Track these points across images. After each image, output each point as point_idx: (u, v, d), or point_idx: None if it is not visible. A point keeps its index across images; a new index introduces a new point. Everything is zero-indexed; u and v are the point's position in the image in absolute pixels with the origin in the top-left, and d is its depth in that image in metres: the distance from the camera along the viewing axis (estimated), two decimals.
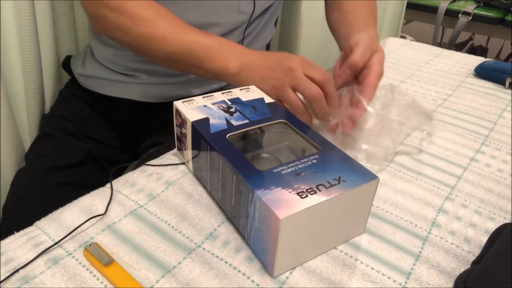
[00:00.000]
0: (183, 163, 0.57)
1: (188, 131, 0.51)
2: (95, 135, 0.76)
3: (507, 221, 0.50)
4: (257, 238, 0.42)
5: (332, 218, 0.42)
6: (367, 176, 0.42)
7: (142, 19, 0.60)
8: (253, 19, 0.75)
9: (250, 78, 0.59)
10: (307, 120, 0.59)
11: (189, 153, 0.53)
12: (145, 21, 0.60)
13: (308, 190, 0.40)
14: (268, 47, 0.91)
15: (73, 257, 0.42)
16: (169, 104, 0.56)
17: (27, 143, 0.81)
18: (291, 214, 0.37)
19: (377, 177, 0.42)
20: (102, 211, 0.48)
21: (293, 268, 0.42)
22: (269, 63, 0.58)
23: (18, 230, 0.45)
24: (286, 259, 0.41)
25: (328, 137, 0.55)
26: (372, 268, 0.43)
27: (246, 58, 0.59)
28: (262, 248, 0.41)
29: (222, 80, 0.63)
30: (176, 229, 0.46)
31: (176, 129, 0.55)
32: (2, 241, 0.44)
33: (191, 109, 0.52)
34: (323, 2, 0.82)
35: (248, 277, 0.41)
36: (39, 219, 0.47)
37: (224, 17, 0.71)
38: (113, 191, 0.51)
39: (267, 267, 0.41)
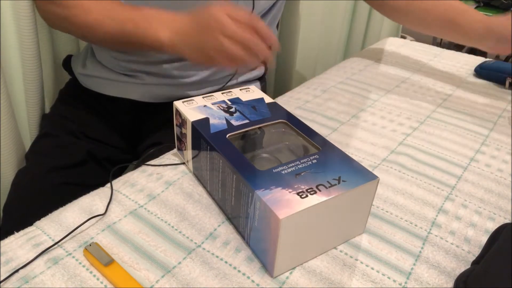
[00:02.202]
0: (183, 163, 0.57)
1: (188, 131, 0.51)
2: (95, 135, 0.76)
3: (507, 221, 0.50)
4: (257, 238, 0.42)
5: (332, 218, 0.42)
6: (367, 176, 0.42)
7: (79, 7, 0.62)
8: None
9: (187, 47, 0.57)
10: (258, 62, 0.56)
11: (189, 153, 0.53)
12: (82, 9, 0.62)
13: (308, 190, 0.40)
14: None
15: (73, 257, 0.42)
16: (170, 104, 0.56)
17: (27, 143, 0.80)
18: (291, 214, 0.37)
19: (377, 177, 0.42)
20: (102, 211, 0.48)
21: (293, 268, 0.42)
22: (199, 26, 0.56)
23: (18, 230, 0.45)
24: (286, 259, 0.41)
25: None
26: (372, 268, 0.43)
27: (176, 25, 0.58)
28: (262, 248, 0.41)
29: (164, 52, 0.62)
30: (176, 229, 0.46)
31: (176, 129, 0.55)
32: (2, 241, 0.44)
33: (191, 109, 0.52)
34: (322, 3, 0.81)
35: (248, 277, 0.41)
36: (39, 219, 0.47)
37: None
38: (113, 191, 0.51)
39: (267, 267, 0.41)
